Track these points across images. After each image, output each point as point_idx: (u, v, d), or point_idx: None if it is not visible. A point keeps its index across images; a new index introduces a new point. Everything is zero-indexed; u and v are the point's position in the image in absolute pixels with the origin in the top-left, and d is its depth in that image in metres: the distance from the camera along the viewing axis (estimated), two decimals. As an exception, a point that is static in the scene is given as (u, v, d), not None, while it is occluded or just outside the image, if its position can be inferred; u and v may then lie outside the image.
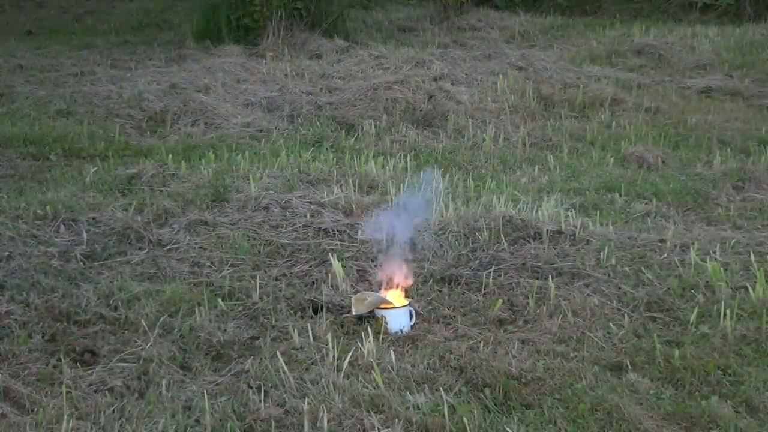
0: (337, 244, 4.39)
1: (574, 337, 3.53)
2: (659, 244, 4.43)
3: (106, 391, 3.10)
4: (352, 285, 3.98)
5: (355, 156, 6.05)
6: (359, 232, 4.41)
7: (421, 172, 5.24)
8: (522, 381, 3.15)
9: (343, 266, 4.07)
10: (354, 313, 3.66)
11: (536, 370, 3.22)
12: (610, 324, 3.63)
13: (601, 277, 4.04)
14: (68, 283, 3.89)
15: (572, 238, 4.45)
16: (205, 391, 3.06)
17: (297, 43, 10.13)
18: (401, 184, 5.20)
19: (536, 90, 8.05)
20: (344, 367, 3.23)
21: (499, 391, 3.10)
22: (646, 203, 5.25)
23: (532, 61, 9.33)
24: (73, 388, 3.09)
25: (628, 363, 3.30)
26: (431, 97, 7.56)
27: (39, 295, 3.73)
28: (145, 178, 5.39)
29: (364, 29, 11.73)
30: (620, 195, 5.36)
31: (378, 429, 2.86)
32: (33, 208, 4.68)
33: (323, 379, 3.14)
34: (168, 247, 4.37)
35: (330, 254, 4.18)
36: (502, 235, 4.42)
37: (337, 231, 4.52)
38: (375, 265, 4.03)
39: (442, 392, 3.05)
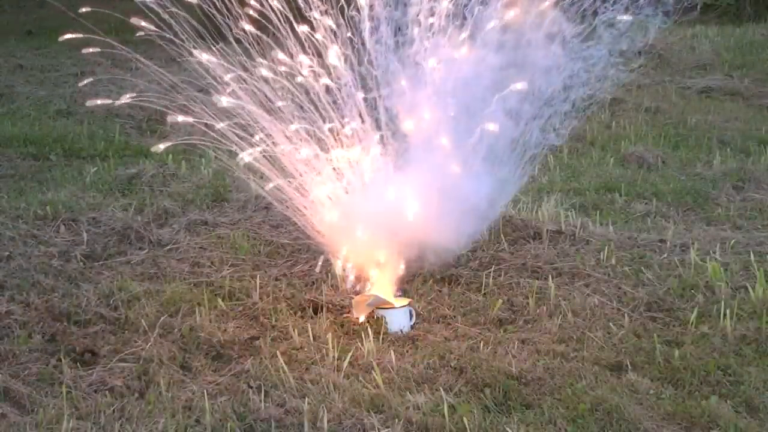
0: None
1: (574, 337, 3.53)
2: (659, 244, 4.43)
3: (106, 391, 3.10)
4: (352, 285, 3.97)
5: (355, 156, 6.04)
6: None
7: None
8: (522, 381, 3.15)
9: (343, 266, 4.07)
10: (355, 316, 3.66)
11: (536, 370, 3.22)
12: (610, 324, 3.63)
13: (601, 277, 4.04)
14: (68, 283, 3.89)
15: (572, 238, 4.45)
16: (205, 391, 3.06)
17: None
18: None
19: (536, 90, 8.04)
20: (344, 367, 3.23)
21: (499, 391, 3.10)
22: (646, 203, 5.25)
23: (532, 61, 9.32)
24: (73, 388, 3.09)
25: (628, 363, 3.30)
26: (431, 97, 7.56)
27: (39, 295, 3.73)
28: (145, 178, 5.39)
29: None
30: (620, 195, 5.36)
31: (378, 429, 2.86)
32: (33, 208, 4.68)
33: (323, 379, 3.14)
34: (168, 247, 4.37)
35: (330, 254, 4.17)
36: (502, 235, 4.42)
37: (337, 231, 4.52)
38: None
39: (442, 392, 3.05)
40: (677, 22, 3.66)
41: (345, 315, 3.70)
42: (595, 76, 3.64)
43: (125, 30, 3.81)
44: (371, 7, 3.63)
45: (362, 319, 3.64)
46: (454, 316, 3.75)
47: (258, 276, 4.02)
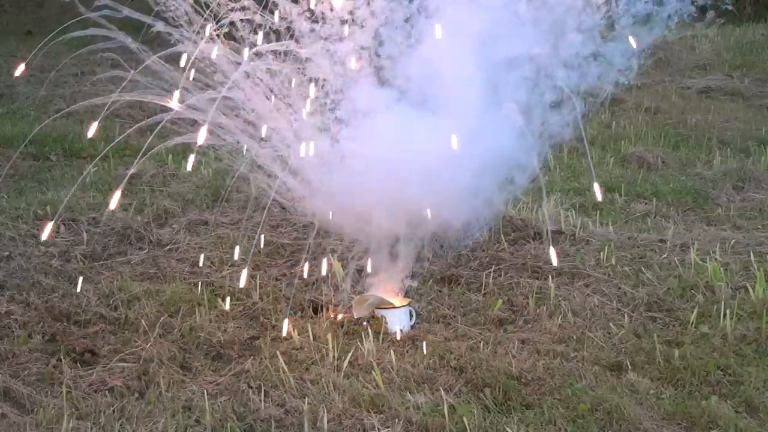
0: (337, 244, 4.39)
1: (574, 337, 3.53)
2: (659, 244, 4.44)
3: (106, 391, 3.10)
4: (352, 285, 3.97)
5: (355, 156, 6.04)
6: None
7: None
8: (522, 381, 3.15)
9: (343, 266, 4.07)
10: (356, 316, 3.66)
11: (536, 370, 3.22)
12: (610, 324, 3.63)
13: (601, 277, 4.04)
14: (68, 283, 3.89)
15: (572, 238, 4.45)
16: (205, 391, 3.06)
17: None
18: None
19: (536, 90, 8.04)
20: (344, 367, 3.23)
21: (499, 391, 3.09)
22: (646, 203, 5.26)
23: (532, 61, 9.31)
24: (73, 388, 3.09)
25: (628, 363, 3.30)
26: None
27: (39, 295, 3.73)
28: (145, 178, 5.40)
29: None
30: (620, 195, 5.36)
31: (378, 429, 2.86)
32: (33, 208, 4.69)
33: (323, 379, 3.14)
34: (168, 247, 4.37)
35: (330, 254, 4.17)
36: (502, 235, 4.42)
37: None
38: None
39: (442, 392, 3.05)
40: (679, 23, 3.65)
41: (345, 315, 3.69)
42: (607, 71, 3.62)
43: (125, 30, 3.81)
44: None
45: (357, 314, 3.64)
46: (454, 316, 3.75)
47: (258, 276, 4.02)
